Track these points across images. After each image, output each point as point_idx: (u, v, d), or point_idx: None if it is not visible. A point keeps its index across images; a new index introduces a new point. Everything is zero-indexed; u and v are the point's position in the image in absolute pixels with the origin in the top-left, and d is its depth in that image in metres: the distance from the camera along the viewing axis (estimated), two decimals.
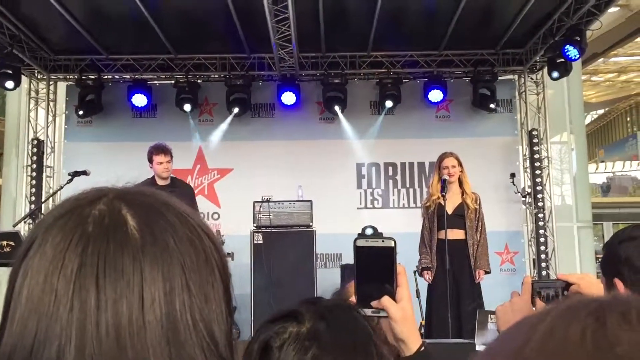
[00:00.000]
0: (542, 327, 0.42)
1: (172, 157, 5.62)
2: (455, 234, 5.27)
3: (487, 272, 5.34)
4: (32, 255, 0.55)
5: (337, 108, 7.81)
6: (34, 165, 7.83)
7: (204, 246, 0.59)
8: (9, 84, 7.13)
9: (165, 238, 0.57)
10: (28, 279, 0.54)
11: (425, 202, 5.52)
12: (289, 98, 7.68)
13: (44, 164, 7.89)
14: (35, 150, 7.87)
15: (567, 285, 1.69)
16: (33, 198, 7.70)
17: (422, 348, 1.10)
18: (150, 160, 5.55)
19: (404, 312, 1.09)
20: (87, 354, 0.51)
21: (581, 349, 0.39)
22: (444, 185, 5.22)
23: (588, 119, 22.57)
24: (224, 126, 8.02)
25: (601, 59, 16.78)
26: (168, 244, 0.56)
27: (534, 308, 1.63)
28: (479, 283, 5.29)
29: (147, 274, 0.54)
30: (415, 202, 7.88)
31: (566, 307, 0.43)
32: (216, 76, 8.01)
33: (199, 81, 8.02)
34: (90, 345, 0.51)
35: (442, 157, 5.41)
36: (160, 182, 5.55)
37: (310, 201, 6.70)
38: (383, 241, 1.15)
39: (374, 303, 1.11)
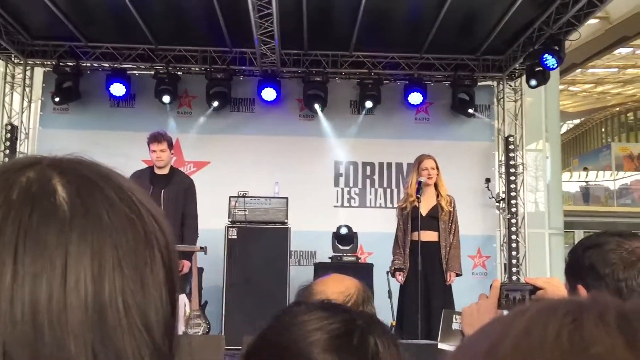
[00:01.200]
0: (518, 325, 0.41)
1: (170, 145, 5.50)
2: (429, 235, 5.31)
3: (458, 275, 5.38)
4: None
5: (317, 106, 7.82)
6: (7, 151, 7.70)
7: (144, 226, 0.53)
8: None
9: (98, 212, 0.51)
10: None
11: (402, 203, 5.54)
12: (269, 94, 7.66)
13: (17, 149, 7.76)
14: (8, 135, 7.74)
15: (535, 289, 1.72)
16: None
17: None
18: (148, 148, 5.48)
19: None
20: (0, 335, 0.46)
21: (556, 348, 0.39)
22: (419, 187, 5.26)
23: (564, 128, 22.93)
24: (202, 119, 7.97)
25: (579, 70, 17.07)
26: (101, 219, 0.51)
27: (499, 311, 1.66)
28: (450, 285, 5.34)
29: (73, 250, 0.48)
30: (392, 202, 7.92)
31: (544, 306, 0.42)
32: (197, 69, 7.96)
33: (179, 73, 7.95)
34: (4, 325, 0.46)
35: (421, 159, 5.44)
36: (157, 170, 5.49)
37: (286, 198, 6.70)
38: None
39: None
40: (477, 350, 0.42)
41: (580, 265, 1.54)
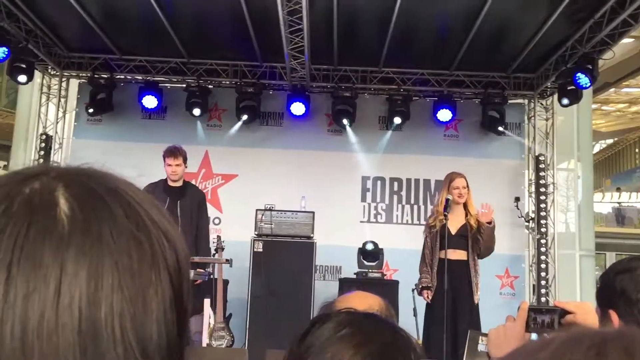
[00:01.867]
0: (543, 356, 0.41)
1: (185, 160, 5.63)
2: (458, 254, 5.24)
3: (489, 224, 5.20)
4: None
5: (345, 121, 7.83)
6: (41, 160, 7.87)
7: (152, 245, 0.50)
8: (22, 78, 7.19)
9: (99, 229, 0.48)
10: None
11: (432, 221, 5.46)
12: (298, 108, 7.71)
13: (51, 159, 7.93)
14: (43, 145, 7.92)
15: (564, 313, 1.67)
16: None
17: None
18: (164, 161, 5.59)
19: None
20: None
21: None
22: (447, 204, 5.21)
23: (596, 148, 22.53)
24: (231, 132, 8.05)
25: (613, 89, 16.79)
26: (102, 236, 0.48)
27: (527, 334, 1.62)
28: (478, 305, 5.25)
29: (69, 268, 0.46)
30: (419, 219, 7.85)
31: (568, 338, 0.42)
32: (227, 82, 8.05)
33: (209, 86, 8.06)
34: None
35: (452, 177, 5.37)
36: (170, 183, 5.60)
37: (313, 212, 6.70)
38: None
39: None
40: None
41: (611, 290, 1.51)
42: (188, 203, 5.56)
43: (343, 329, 1.03)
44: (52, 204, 0.48)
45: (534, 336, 1.65)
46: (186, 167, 5.74)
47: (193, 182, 7.72)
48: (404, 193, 8.05)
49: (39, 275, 0.45)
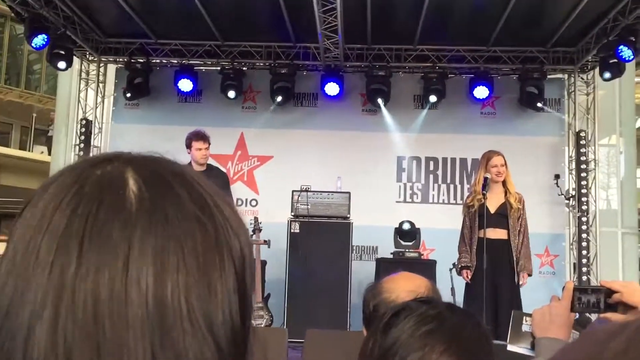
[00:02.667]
0: (616, 343, 0.39)
1: (209, 144, 5.71)
2: (498, 233, 5.18)
3: (529, 275, 5.27)
4: (26, 211, 0.51)
5: (380, 100, 7.76)
6: (82, 145, 8.04)
7: (215, 228, 0.51)
8: (62, 65, 7.32)
9: (165, 210, 0.50)
10: (16, 236, 0.50)
11: (470, 201, 5.40)
12: (332, 89, 7.68)
13: (92, 143, 8.09)
14: (83, 130, 8.08)
15: (610, 292, 1.65)
16: None
17: None
18: (189, 146, 5.65)
19: None
20: (60, 326, 0.46)
21: None
22: (485, 183, 5.14)
23: (639, 123, 21.83)
24: (266, 114, 8.07)
25: None
26: (167, 217, 0.49)
27: (572, 314, 1.60)
28: (519, 283, 5.20)
29: (136, 246, 0.48)
30: (455, 198, 7.78)
31: None
32: (261, 64, 8.06)
33: (244, 68, 8.08)
34: (65, 316, 0.46)
35: (489, 156, 5.28)
36: (196, 167, 5.68)
37: (349, 193, 6.70)
38: None
39: None
40: None
41: None
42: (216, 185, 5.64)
43: (428, 323, 1.04)
44: (122, 184, 0.51)
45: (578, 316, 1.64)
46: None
47: (229, 164, 7.83)
48: (440, 172, 7.98)
49: (109, 252, 0.47)
